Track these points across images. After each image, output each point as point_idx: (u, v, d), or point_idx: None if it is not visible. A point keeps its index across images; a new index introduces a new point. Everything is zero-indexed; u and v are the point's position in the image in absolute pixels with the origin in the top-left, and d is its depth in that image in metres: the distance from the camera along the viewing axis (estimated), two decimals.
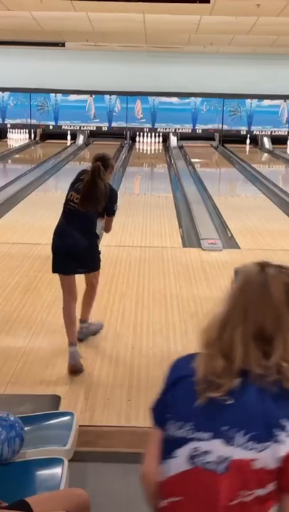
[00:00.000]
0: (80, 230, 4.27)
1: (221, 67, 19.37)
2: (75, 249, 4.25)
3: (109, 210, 4.39)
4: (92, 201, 4.20)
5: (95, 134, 20.36)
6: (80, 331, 4.54)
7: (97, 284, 4.61)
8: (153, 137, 20.33)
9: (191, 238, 8.06)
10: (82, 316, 4.63)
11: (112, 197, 4.34)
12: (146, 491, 1.72)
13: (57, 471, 2.62)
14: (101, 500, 2.87)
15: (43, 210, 9.90)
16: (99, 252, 4.48)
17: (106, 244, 7.64)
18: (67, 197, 4.40)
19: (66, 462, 2.68)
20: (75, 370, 4.08)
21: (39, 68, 19.55)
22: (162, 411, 1.70)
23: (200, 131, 20.36)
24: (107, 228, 4.54)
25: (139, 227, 8.47)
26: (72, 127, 20.38)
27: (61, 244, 4.30)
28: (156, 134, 20.28)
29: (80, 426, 3.08)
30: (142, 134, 20.30)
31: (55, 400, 3.43)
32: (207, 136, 20.34)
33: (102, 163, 4.32)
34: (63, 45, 17.06)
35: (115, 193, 4.45)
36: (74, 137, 20.17)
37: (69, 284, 4.25)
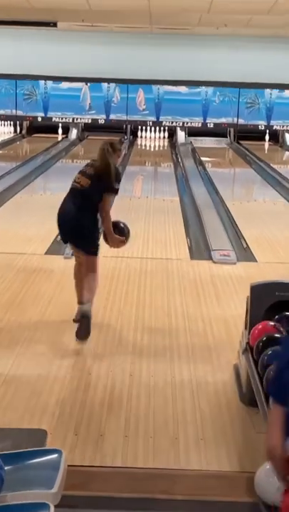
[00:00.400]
0: (78, 207, 5.20)
1: (237, 53, 19.45)
2: (69, 224, 5.27)
3: (109, 187, 5.17)
4: (100, 175, 5.16)
5: (90, 128, 20.43)
6: (77, 312, 5.18)
7: (96, 273, 5.30)
8: (157, 132, 20.40)
9: (200, 249, 8.06)
10: (78, 297, 5.27)
11: (116, 175, 5.22)
12: (275, 466, 2.08)
13: None
14: None
15: (29, 215, 9.91)
16: (95, 237, 5.27)
17: (102, 254, 7.65)
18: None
19: (52, 508, 2.66)
20: (82, 321, 5.08)
21: (27, 52, 19.66)
22: (282, 388, 2.09)
23: (212, 126, 20.43)
24: (106, 209, 5.19)
25: (140, 235, 8.47)
26: (64, 120, 20.46)
27: (60, 216, 5.36)
28: (162, 129, 20.35)
29: (68, 466, 3.06)
30: (144, 128, 20.37)
31: (41, 434, 3.42)
32: (220, 132, 20.40)
33: (111, 146, 5.26)
34: (55, 25, 17.12)
35: (119, 173, 5.32)
36: (66, 131, 20.24)
37: (75, 250, 5.44)
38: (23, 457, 3.03)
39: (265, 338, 3.98)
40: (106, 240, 5.34)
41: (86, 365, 4.76)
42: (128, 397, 4.09)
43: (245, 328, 4.34)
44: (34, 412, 4.07)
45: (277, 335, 4.02)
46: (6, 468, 2.76)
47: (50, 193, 12.43)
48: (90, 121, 20.51)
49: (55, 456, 3.02)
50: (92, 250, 5.24)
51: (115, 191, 5.21)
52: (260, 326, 4.14)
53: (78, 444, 3.69)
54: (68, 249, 7.76)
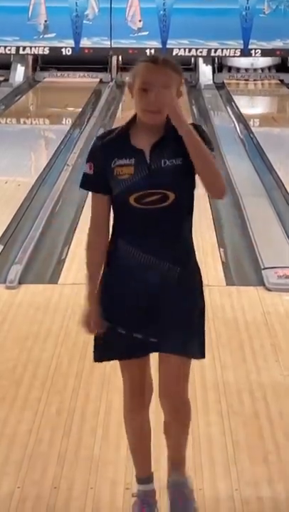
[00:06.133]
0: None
1: None
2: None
3: None
4: None
5: (48, 63, 20.53)
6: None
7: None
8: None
9: (243, 268, 8.12)
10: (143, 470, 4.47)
11: None
12: None
13: None
14: None
15: None
16: None
17: (69, 281, 7.70)
18: None
19: None
20: None
21: None
22: None
23: (258, 54, 20.51)
24: None
25: None
26: (1, 50, 20.55)
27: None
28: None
29: None
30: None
31: None
32: (271, 65, 20.51)
33: None
34: None
35: None
36: (6, 69, 20.33)
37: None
38: None
39: None
40: None
41: (51, 454, 4.78)
42: None
43: None
44: None
45: None
46: None
47: None
48: (46, 51, 20.62)
49: None
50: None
51: None
52: None
53: None
54: (13, 272, 7.82)
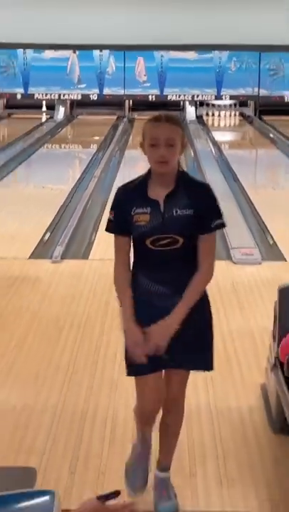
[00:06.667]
0: None
1: (255, 10, 19.43)
2: None
3: None
4: None
5: (80, 105, 20.46)
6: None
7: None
8: (162, 108, 20.42)
9: (217, 247, 8.05)
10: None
11: None
12: None
13: None
14: None
15: (9, 212, 9.95)
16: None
17: (97, 256, 7.69)
18: None
19: None
20: None
21: (2, 17, 19.66)
22: None
23: (227, 99, 20.44)
24: None
25: None
26: (48, 96, 20.49)
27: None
28: (166, 103, 20.37)
29: (63, 510, 3.07)
30: (146, 103, 20.39)
31: (29, 473, 3.42)
32: (236, 102, 20.46)
33: None
34: None
35: None
36: (52, 109, 20.26)
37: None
38: (8, 501, 3.04)
39: None
40: None
41: (81, 391, 4.78)
42: (133, 427, 4.08)
43: (274, 340, 4.35)
44: (20, 447, 4.10)
45: None
46: None
47: (34, 184, 12.47)
48: (79, 97, 20.56)
49: (46, 498, 3.03)
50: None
51: None
52: None
53: (74, 484, 3.70)
54: (57, 251, 7.82)
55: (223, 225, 3.45)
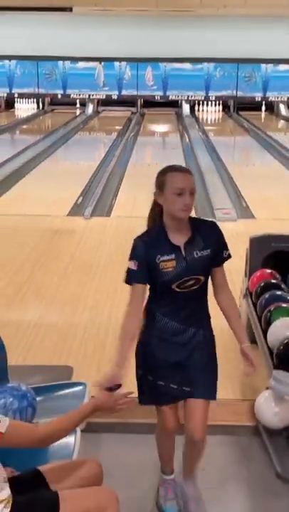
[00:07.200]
0: None
1: (235, 31, 19.06)
2: None
3: None
4: None
5: (105, 103, 20.23)
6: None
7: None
8: (165, 105, 20.16)
9: (204, 208, 8.04)
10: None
11: None
12: None
13: (69, 440, 2.67)
14: (113, 470, 2.93)
15: (53, 182, 9.92)
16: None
17: (117, 215, 7.68)
18: None
19: (79, 432, 2.73)
20: None
21: (46, 35, 19.37)
22: None
23: (213, 98, 20.16)
24: None
25: (150, 198, 8.45)
26: (81, 96, 20.27)
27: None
28: (168, 102, 20.10)
29: (92, 397, 3.12)
30: (153, 102, 20.14)
31: (68, 370, 3.48)
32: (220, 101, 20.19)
33: None
34: (71, 10, 16.87)
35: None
36: (83, 106, 20.06)
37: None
38: (53, 389, 3.10)
39: (262, 284, 4.01)
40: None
41: (105, 311, 4.81)
42: None
43: (245, 275, 4.36)
44: (61, 352, 4.15)
45: (273, 281, 4.04)
46: (37, 399, 2.83)
47: (70, 162, 12.41)
48: (104, 96, 20.29)
49: (80, 388, 3.09)
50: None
51: None
52: (258, 273, 4.16)
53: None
54: (87, 210, 7.81)
55: (230, 255, 2.83)
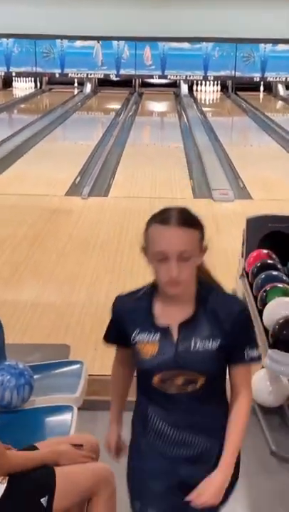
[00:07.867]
0: None
1: (234, 10, 18.88)
2: None
3: None
4: None
5: (102, 82, 20.07)
6: None
7: None
8: (163, 85, 20.01)
9: (202, 189, 8.02)
10: None
11: None
12: None
13: (66, 417, 2.69)
14: None
15: (51, 161, 9.87)
16: None
17: (115, 195, 7.66)
18: None
19: (75, 410, 2.74)
20: None
21: (44, 13, 19.15)
22: None
23: (211, 78, 20.01)
24: None
25: (148, 177, 8.43)
26: (79, 75, 20.08)
27: None
28: (166, 83, 19.95)
29: (89, 375, 3.13)
30: (151, 82, 19.99)
31: (65, 349, 3.49)
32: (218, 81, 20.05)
33: None
34: None
35: None
36: (81, 85, 19.89)
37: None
38: (50, 368, 3.11)
39: (259, 264, 4.01)
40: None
41: (103, 289, 4.81)
42: None
43: (242, 256, 4.36)
44: (58, 331, 4.16)
45: (269, 261, 4.04)
46: (35, 376, 2.84)
47: (69, 141, 12.34)
48: (102, 76, 20.11)
49: (77, 366, 3.10)
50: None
51: None
52: (254, 254, 4.16)
53: (97, 357, 3.74)
54: (85, 190, 7.79)
55: (254, 359, 1.82)
